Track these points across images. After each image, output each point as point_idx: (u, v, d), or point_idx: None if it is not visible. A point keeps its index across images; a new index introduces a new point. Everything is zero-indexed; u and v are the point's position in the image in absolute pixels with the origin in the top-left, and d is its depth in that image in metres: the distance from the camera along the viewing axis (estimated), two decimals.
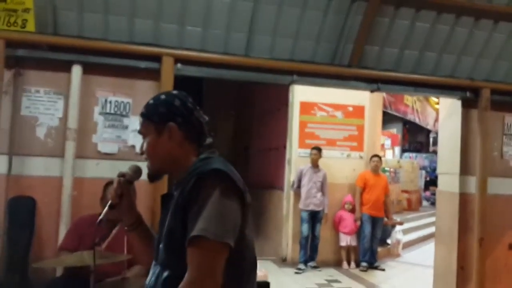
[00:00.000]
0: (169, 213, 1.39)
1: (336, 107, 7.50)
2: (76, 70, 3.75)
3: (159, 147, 1.50)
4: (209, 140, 1.56)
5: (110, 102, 3.88)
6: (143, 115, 1.54)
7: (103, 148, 3.85)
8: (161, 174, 1.56)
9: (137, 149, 3.83)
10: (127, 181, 1.58)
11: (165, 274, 1.38)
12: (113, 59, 3.81)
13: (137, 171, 1.61)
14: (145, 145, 1.52)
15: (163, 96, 1.55)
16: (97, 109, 3.86)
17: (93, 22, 3.74)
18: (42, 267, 3.64)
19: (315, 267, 6.78)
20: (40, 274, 3.65)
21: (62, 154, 3.73)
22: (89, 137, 3.83)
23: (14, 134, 3.71)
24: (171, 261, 1.37)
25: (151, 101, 1.55)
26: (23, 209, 3.70)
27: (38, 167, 3.75)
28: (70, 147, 3.71)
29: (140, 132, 1.55)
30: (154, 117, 1.50)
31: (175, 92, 1.57)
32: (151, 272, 1.47)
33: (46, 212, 3.75)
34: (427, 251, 8.81)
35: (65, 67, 3.76)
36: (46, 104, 3.77)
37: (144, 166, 1.57)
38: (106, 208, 1.53)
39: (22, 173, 3.72)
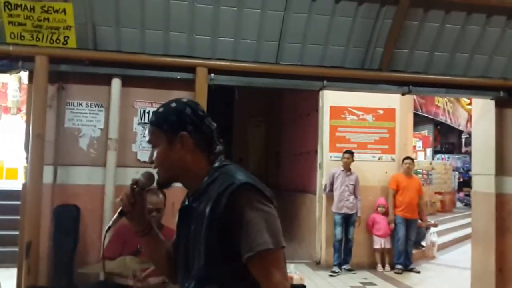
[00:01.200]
0: (204, 230, 1.37)
1: (367, 110, 7.49)
2: (116, 83, 3.92)
3: (171, 156, 1.47)
4: (219, 148, 1.52)
5: (148, 112, 4.03)
6: (152, 123, 1.49)
7: (142, 156, 4.00)
8: (172, 182, 1.54)
9: (145, 158, 3.98)
10: (141, 188, 1.57)
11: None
12: (150, 71, 3.97)
13: (150, 178, 1.57)
14: (155, 154, 1.49)
15: (173, 104, 1.49)
16: (136, 120, 4.02)
17: (130, 37, 3.91)
18: (86, 272, 3.81)
19: (349, 270, 6.78)
20: (84, 279, 3.81)
21: (104, 163, 3.90)
22: (129, 147, 4.00)
23: (58, 146, 3.90)
24: (217, 274, 1.37)
25: (161, 109, 1.50)
26: (68, 217, 3.88)
27: (81, 176, 3.93)
28: (112, 156, 3.88)
29: (149, 141, 1.51)
30: (165, 126, 1.46)
31: (185, 99, 1.52)
32: (184, 286, 1.46)
33: (90, 219, 3.93)
34: (463, 253, 8.66)
35: (105, 80, 3.94)
36: (88, 116, 3.95)
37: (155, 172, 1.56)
38: (116, 215, 1.52)
39: (67, 182, 3.91)
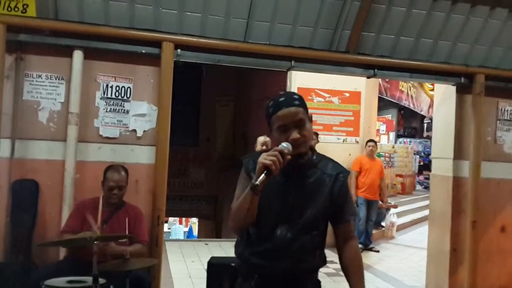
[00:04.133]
0: (322, 193, 1.92)
1: (333, 92, 7.56)
2: (77, 55, 3.78)
3: (311, 131, 1.93)
4: None
5: (111, 87, 3.92)
6: (299, 105, 1.89)
7: (104, 132, 3.90)
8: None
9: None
10: (288, 154, 1.78)
11: (314, 232, 1.93)
12: (113, 44, 3.84)
13: (292, 148, 1.83)
14: (305, 130, 1.87)
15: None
16: (98, 94, 3.90)
17: (94, 7, 3.77)
18: (45, 247, 3.73)
19: None
20: (43, 255, 3.73)
21: (65, 138, 3.78)
22: (91, 122, 3.88)
23: (16, 119, 3.75)
24: (321, 225, 1.96)
25: (297, 96, 1.96)
26: (26, 192, 3.76)
27: (40, 151, 3.80)
28: (72, 131, 3.77)
29: (300, 120, 1.86)
30: (306, 107, 1.91)
31: None
32: (282, 228, 1.88)
33: (49, 195, 3.82)
34: (420, 233, 8.99)
35: (67, 52, 3.79)
36: (48, 89, 3.81)
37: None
38: (263, 175, 1.73)
39: (25, 156, 3.77)
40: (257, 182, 1.72)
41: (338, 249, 2.03)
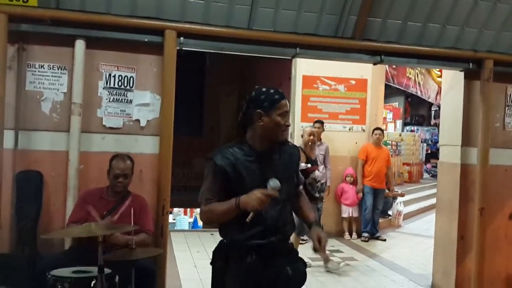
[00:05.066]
0: (288, 168, 2.37)
1: (339, 80, 7.49)
2: (79, 45, 3.74)
3: None
4: None
5: (114, 76, 3.88)
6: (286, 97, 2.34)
7: (108, 122, 3.87)
8: None
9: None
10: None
11: (288, 204, 2.39)
12: (116, 33, 3.79)
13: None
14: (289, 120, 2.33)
15: None
16: (101, 84, 3.86)
17: None
18: (50, 238, 3.73)
19: None
20: (48, 246, 3.73)
21: (68, 128, 3.75)
22: (94, 112, 3.85)
23: (19, 109, 3.72)
24: (291, 197, 2.40)
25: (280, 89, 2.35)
26: (31, 183, 3.75)
27: (44, 141, 3.78)
28: (76, 122, 3.74)
29: (287, 112, 2.31)
30: None
31: None
32: (269, 210, 2.22)
33: (53, 186, 3.81)
34: (428, 222, 8.95)
35: (68, 41, 3.75)
36: (50, 79, 3.77)
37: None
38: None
39: (29, 147, 3.75)
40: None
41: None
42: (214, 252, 2.40)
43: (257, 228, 2.22)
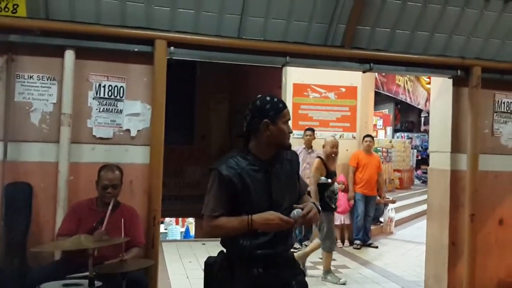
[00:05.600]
0: (290, 175, 2.36)
1: (329, 88, 7.53)
2: (69, 55, 3.72)
3: None
4: None
5: (104, 86, 3.86)
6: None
7: (98, 132, 3.84)
8: None
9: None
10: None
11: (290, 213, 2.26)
12: (105, 43, 3.79)
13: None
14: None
15: None
16: (91, 94, 3.84)
17: (85, 6, 3.71)
18: (40, 251, 3.68)
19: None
20: (38, 259, 3.68)
21: (58, 139, 3.72)
22: (84, 122, 3.83)
23: (8, 121, 3.69)
24: (295, 201, 2.31)
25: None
26: (20, 195, 3.70)
27: (33, 153, 3.74)
28: (65, 132, 3.71)
29: (289, 119, 2.32)
30: None
31: None
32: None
33: (43, 197, 3.76)
34: (419, 228, 8.98)
35: (58, 52, 3.73)
36: (40, 90, 3.74)
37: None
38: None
39: (18, 159, 3.71)
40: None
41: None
42: (213, 264, 2.37)
43: (265, 237, 2.21)
